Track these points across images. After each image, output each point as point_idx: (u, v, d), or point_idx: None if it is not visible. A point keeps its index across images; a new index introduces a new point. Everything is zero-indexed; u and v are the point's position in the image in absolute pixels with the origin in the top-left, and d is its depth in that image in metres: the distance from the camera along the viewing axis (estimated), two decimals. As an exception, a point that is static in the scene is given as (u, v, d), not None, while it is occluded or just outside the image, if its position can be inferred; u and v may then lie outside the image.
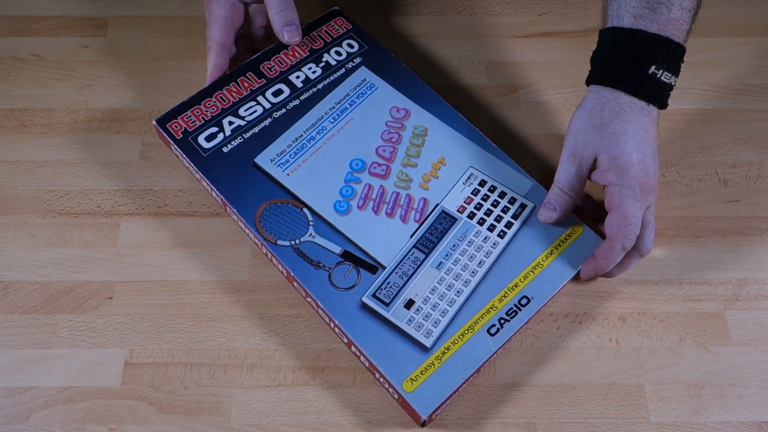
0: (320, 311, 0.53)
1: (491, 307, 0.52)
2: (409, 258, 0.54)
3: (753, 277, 0.57)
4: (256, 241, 0.56)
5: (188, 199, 0.60)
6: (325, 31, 0.65)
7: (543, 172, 0.61)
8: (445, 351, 0.50)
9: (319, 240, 0.54)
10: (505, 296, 0.52)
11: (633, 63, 0.51)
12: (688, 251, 0.58)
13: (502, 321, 0.51)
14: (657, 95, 0.51)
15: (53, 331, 0.54)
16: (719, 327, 0.55)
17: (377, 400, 0.52)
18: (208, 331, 0.55)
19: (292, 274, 0.53)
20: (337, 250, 0.54)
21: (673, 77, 0.52)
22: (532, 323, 0.55)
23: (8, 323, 0.55)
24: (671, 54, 0.51)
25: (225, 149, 0.58)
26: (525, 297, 0.52)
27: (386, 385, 0.50)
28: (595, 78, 0.53)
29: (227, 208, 0.57)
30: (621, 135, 0.51)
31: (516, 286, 0.53)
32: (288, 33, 0.60)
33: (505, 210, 0.56)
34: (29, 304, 0.55)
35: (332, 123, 0.60)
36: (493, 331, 0.51)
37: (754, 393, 0.52)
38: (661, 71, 0.51)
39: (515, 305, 0.52)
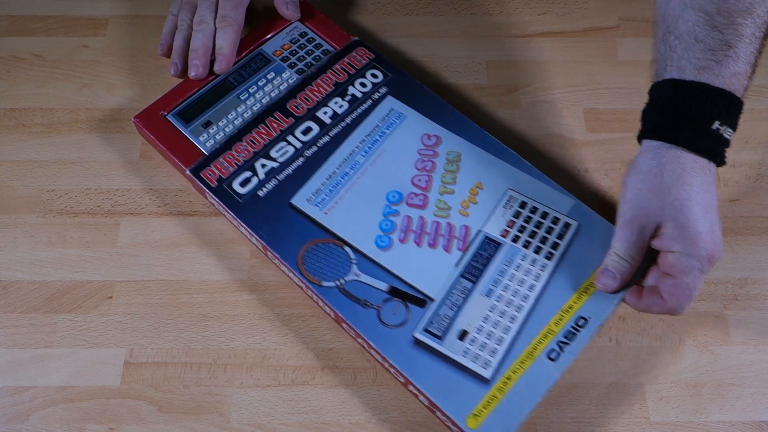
0: (372, 351, 0.51)
1: (548, 332, 0.50)
2: (457, 288, 0.52)
3: (753, 277, 0.57)
4: (301, 284, 0.54)
5: (188, 199, 0.60)
6: (348, 62, 0.63)
7: (543, 173, 0.61)
8: (506, 381, 0.48)
9: (364, 278, 0.53)
10: (561, 319, 0.51)
11: (696, 117, 0.47)
12: (688, 251, 0.58)
13: (562, 344, 0.50)
14: (718, 152, 0.48)
15: (53, 330, 0.54)
16: (719, 327, 0.55)
17: (377, 399, 0.52)
18: (208, 330, 0.55)
19: (340, 315, 0.51)
20: (384, 286, 0.52)
21: (733, 133, 0.48)
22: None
23: (8, 323, 0.55)
24: (733, 109, 0.48)
25: (260, 193, 0.56)
26: (582, 317, 0.51)
27: (448, 423, 0.48)
28: (650, 133, 0.49)
29: (268, 253, 0.55)
30: (686, 201, 0.47)
31: (571, 308, 0.51)
32: (292, 7, 0.65)
33: (549, 230, 0.54)
34: (29, 304, 0.55)
35: (364, 156, 0.58)
36: (553, 356, 0.49)
37: (754, 393, 0.52)
38: (724, 127, 0.47)
39: (572, 327, 0.50)
